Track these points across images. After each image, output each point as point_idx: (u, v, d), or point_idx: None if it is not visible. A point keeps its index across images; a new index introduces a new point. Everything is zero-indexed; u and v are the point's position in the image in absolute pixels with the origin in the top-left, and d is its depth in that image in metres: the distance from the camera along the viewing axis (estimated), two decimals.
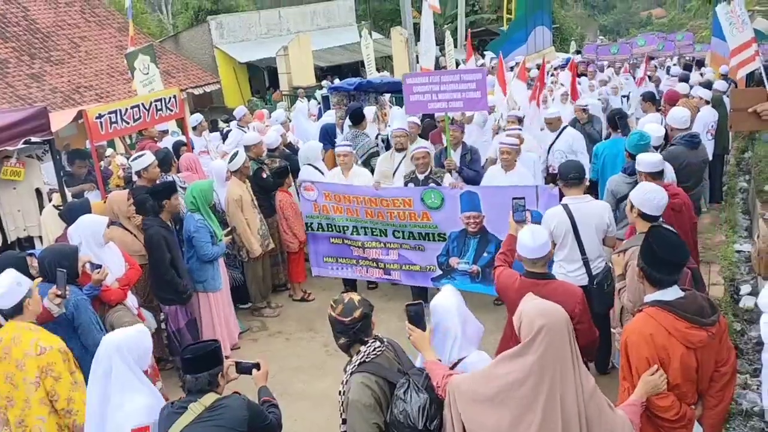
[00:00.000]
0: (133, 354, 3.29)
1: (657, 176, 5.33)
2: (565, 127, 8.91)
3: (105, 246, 5.27)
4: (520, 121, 8.87)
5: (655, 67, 18.58)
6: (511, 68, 18.51)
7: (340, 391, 3.19)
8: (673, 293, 3.20)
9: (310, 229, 7.66)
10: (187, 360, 3.20)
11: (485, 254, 6.82)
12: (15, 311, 3.98)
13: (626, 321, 4.38)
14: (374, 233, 7.36)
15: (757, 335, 6.44)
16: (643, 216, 4.35)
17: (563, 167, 5.52)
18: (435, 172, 7.10)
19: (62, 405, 3.91)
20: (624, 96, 13.91)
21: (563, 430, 2.61)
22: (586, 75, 16.04)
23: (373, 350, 3.16)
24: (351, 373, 3.14)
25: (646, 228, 4.27)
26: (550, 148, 8.84)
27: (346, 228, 7.48)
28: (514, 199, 4.83)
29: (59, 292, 4.32)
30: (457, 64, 18.87)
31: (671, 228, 3.93)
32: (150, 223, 5.93)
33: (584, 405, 2.65)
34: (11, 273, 4.03)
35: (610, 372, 5.68)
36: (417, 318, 3.29)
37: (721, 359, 3.23)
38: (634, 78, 15.79)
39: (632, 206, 4.43)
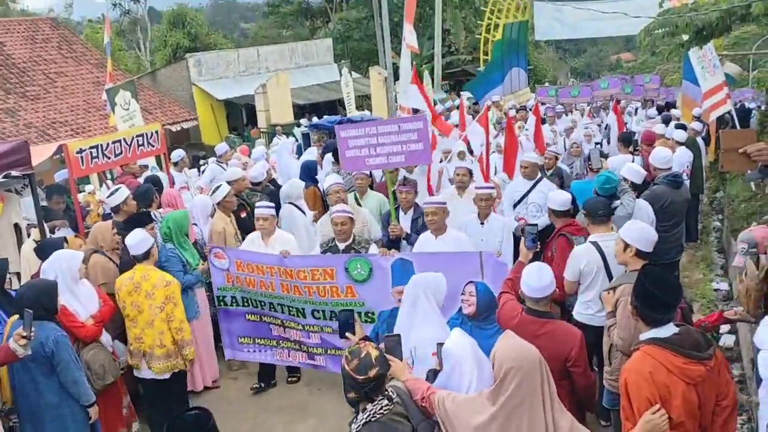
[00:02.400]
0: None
1: (565, 215, 6.00)
2: (541, 178, 7.64)
3: (80, 282, 5.17)
4: (470, 174, 7.55)
5: (622, 109, 18.70)
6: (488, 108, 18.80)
7: None
8: (668, 330, 3.21)
9: (222, 303, 6.42)
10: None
11: None
12: (144, 257, 5.51)
13: (614, 359, 4.39)
14: (291, 312, 6.16)
15: (739, 374, 6.49)
16: (640, 253, 4.33)
17: (590, 204, 5.45)
18: (359, 242, 6.08)
19: (176, 325, 5.49)
20: (597, 143, 12.72)
21: None
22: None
23: (380, 409, 3.02)
24: None
25: (639, 266, 4.29)
26: (522, 199, 7.53)
27: (263, 303, 6.29)
28: (528, 225, 5.03)
29: (24, 333, 4.17)
30: (435, 103, 19.10)
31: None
32: (125, 255, 5.88)
33: None
34: (140, 230, 5.64)
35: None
36: (394, 348, 3.41)
37: (722, 393, 3.23)
38: (599, 124, 15.48)
39: (626, 245, 4.38)
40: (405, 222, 6.80)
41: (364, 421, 2.99)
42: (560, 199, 6.05)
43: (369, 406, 3.02)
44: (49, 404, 4.56)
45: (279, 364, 6.61)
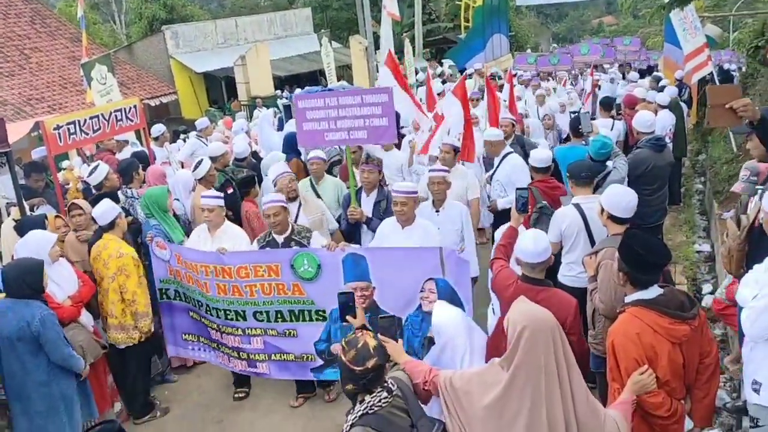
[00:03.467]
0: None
1: (544, 171, 6.17)
2: (507, 154, 7.27)
3: (56, 263, 5.11)
4: (456, 151, 7.00)
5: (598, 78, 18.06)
6: (470, 76, 18.68)
7: None
8: (653, 291, 3.24)
9: (165, 297, 5.88)
10: None
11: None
12: (110, 226, 5.55)
13: (597, 322, 4.43)
14: (228, 317, 5.53)
15: (721, 333, 6.59)
16: (614, 218, 4.39)
17: (574, 166, 5.45)
18: (298, 232, 5.52)
19: (128, 297, 5.45)
20: (573, 112, 11.44)
21: None
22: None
23: (378, 401, 2.86)
24: (351, 425, 2.88)
25: (617, 230, 4.35)
26: (491, 178, 7.33)
27: (200, 304, 5.71)
28: (517, 189, 4.82)
29: None
30: (417, 72, 18.96)
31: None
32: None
33: (575, 410, 2.65)
34: (107, 201, 5.72)
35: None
36: (389, 329, 3.35)
37: (705, 351, 3.29)
38: (580, 92, 15.06)
39: (602, 209, 4.45)
40: (367, 205, 6.23)
41: (360, 413, 2.86)
42: (540, 155, 6.24)
43: (367, 398, 2.88)
44: (38, 382, 4.54)
45: (222, 368, 6.00)
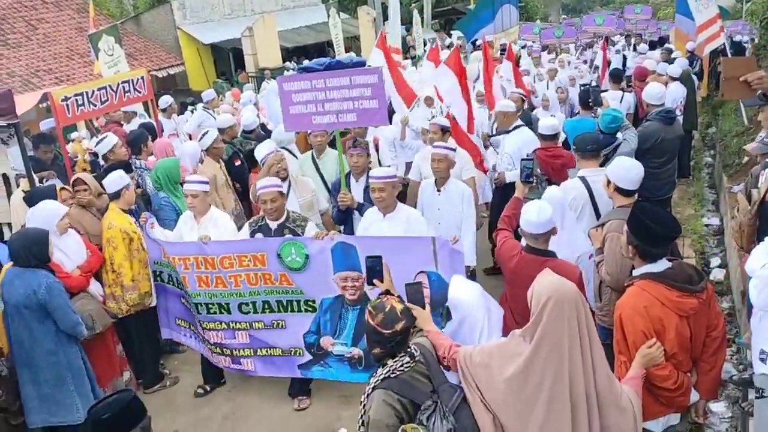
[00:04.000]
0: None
1: (551, 138, 6.31)
2: (517, 126, 7.23)
3: (65, 234, 5.15)
4: (444, 131, 6.76)
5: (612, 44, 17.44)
6: (479, 47, 18.49)
7: (361, 403, 3.00)
8: (662, 264, 3.24)
9: (159, 279, 5.63)
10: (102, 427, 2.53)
11: None
12: (115, 196, 5.62)
13: (604, 294, 4.44)
14: (211, 310, 5.30)
15: (729, 306, 6.60)
16: (620, 190, 4.37)
17: (580, 139, 5.42)
18: (293, 219, 5.27)
19: (115, 268, 5.46)
20: (583, 85, 11.35)
21: (572, 409, 2.61)
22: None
23: (400, 366, 2.89)
24: (373, 387, 2.91)
25: (624, 202, 4.34)
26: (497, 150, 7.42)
27: (186, 295, 5.46)
28: (522, 160, 4.79)
29: None
30: (425, 44, 18.79)
31: None
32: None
33: (595, 382, 2.64)
34: (119, 171, 5.77)
35: None
36: (416, 296, 3.31)
37: (712, 325, 3.30)
38: (587, 62, 14.79)
39: (608, 181, 4.44)
40: (357, 190, 5.99)
41: (383, 376, 2.89)
42: (546, 123, 6.44)
43: (390, 362, 2.91)
44: (45, 350, 4.60)
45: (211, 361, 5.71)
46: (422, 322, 3.21)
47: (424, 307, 3.26)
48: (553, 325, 2.61)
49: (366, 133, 7.58)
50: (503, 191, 6.68)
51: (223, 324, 5.32)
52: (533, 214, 3.92)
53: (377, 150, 8.00)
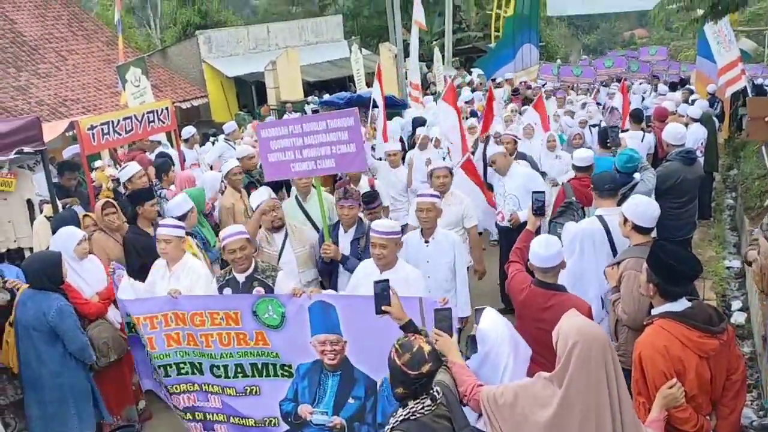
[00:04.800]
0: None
1: (586, 170, 6.37)
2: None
3: (85, 260, 5.24)
4: (450, 174, 6.49)
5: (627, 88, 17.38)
6: (499, 85, 18.65)
7: None
8: (682, 304, 3.21)
9: (131, 330, 4.92)
10: None
11: (351, 400, 4.46)
12: (181, 218, 5.66)
13: (621, 334, 4.39)
14: (182, 370, 4.75)
15: (750, 350, 6.48)
16: (637, 228, 4.35)
17: (598, 178, 5.44)
18: (262, 270, 4.82)
19: None
20: (593, 126, 11.33)
21: None
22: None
23: (421, 408, 2.81)
24: (392, 428, 2.84)
25: (640, 240, 4.32)
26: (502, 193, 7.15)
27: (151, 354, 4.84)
28: (534, 192, 4.76)
29: None
30: (445, 80, 18.97)
31: None
32: (129, 233, 5.95)
33: (623, 427, 2.59)
34: (181, 194, 6.09)
35: None
36: (444, 323, 3.25)
37: (732, 367, 3.24)
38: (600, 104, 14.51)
39: (625, 219, 4.43)
40: (344, 241, 5.59)
41: (402, 417, 2.82)
42: (581, 155, 6.58)
43: (411, 403, 2.84)
44: (50, 372, 4.65)
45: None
46: (448, 352, 3.15)
47: (451, 335, 3.21)
48: (581, 371, 2.57)
49: (360, 178, 7.34)
50: (511, 233, 6.51)
51: (195, 385, 4.79)
52: (541, 248, 3.93)
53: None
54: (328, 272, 5.61)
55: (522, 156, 8.17)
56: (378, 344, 3.96)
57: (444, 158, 8.45)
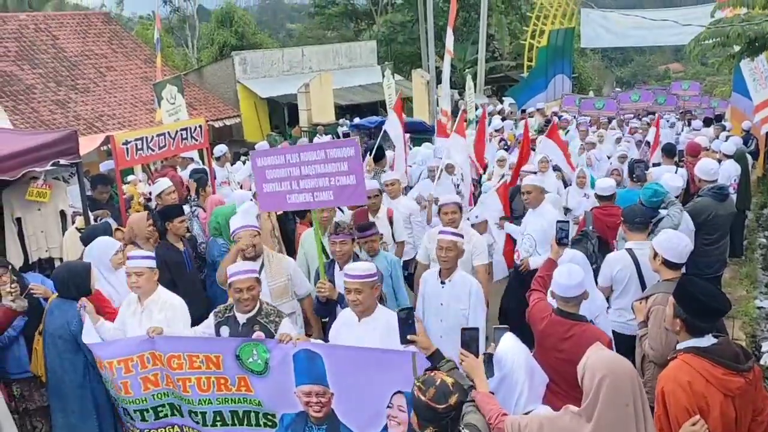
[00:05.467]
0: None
1: (608, 199, 6.62)
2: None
3: (118, 271, 5.29)
4: (460, 209, 6.04)
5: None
6: (530, 115, 18.63)
7: None
8: (707, 340, 3.16)
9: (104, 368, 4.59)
10: None
11: None
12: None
13: (647, 370, 4.32)
14: (161, 414, 4.47)
15: None
16: (667, 263, 4.33)
17: (628, 211, 5.42)
18: (267, 313, 4.47)
19: None
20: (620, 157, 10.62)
21: None
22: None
23: None
24: None
25: (670, 276, 4.28)
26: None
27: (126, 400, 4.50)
28: (558, 221, 4.75)
29: (8, 288, 4.51)
30: (476, 108, 19.03)
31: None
32: (160, 248, 6.00)
33: None
34: (249, 202, 6.51)
35: None
36: (471, 343, 3.20)
37: (758, 408, 3.17)
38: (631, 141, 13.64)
39: (655, 254, 4.40)
40: (341, 280, 4.86)
41: None
42: (603, 184, 6.85)
43: None
44: (73, 382, 4.67)
45: None
46: (473, 374, 3.10)
47: (477, 356, 3.16)
48: (610, 405, 2.57)
49: (380, 208, 6.96)
50: (522, 276, 6.24)
51: (176, 428, 4.53)
52: (563, 278, 3.92)
53: (391, 224, 6.99)
54: (325, 312, 5.23)
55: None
56: (368, 400, 3.81)
57: (458, 185, 8.39)
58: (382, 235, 6.02)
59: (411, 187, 8.85)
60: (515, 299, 5.82)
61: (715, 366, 3.06)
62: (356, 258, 5.25)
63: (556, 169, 9.37)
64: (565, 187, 9.14)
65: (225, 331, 4.45)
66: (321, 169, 4.78)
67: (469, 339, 3.20)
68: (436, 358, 3.39)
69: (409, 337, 3.46)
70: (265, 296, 4.83)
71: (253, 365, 4.16)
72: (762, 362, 6.94)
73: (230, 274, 4.43)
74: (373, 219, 6.49)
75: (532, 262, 6.18)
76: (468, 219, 6.85)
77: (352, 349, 4.06)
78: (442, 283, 4.97)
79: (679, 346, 3.26)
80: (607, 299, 5.29)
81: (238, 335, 4.34)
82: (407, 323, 3.46)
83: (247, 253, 5.14)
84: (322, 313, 5.32)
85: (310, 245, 5.89)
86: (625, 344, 4.81)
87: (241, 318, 4.45)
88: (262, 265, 5.21)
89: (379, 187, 7.03)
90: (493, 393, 3.07)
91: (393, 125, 9.17)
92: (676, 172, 9.07)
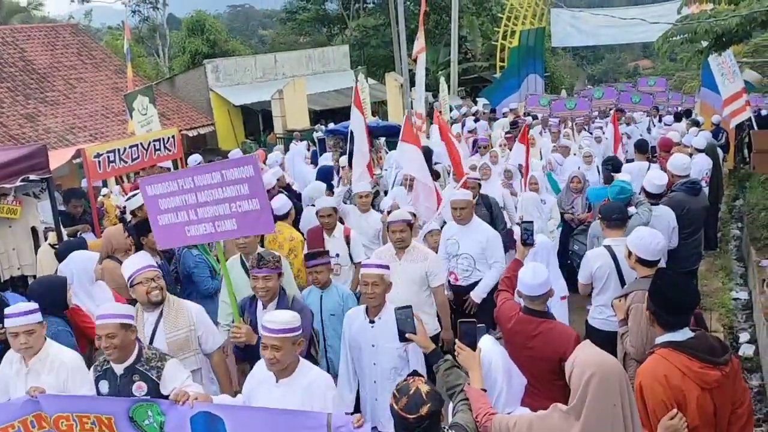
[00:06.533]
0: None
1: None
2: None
3: (96, 285, 5.24)
4: (410, 226, 5.51)
5: (629, 120, 15.76)
6: (504, 115, 18.73)
7: None
8: (684, 334, 3.18)
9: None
10: None
11: None
12: (285, 216, 6.41)
13: (629, 367, 4.35)
14: None
15: (759, 384, 6.39)
16: (641, 261, 4.38)
17: (606, 208, 5.49)
18: (147, 359, 3.89)
19: (294, 272, 5.72)
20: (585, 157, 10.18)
21: None
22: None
23: None
24: None
25: (647, 273, 4.32)
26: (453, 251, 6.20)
27: None
28: (523, 222, 4.77)
29: None
30: (451, 109, 19.11)
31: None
32: None
33: None
34: (282, 195, 6.79)
35: None
36: (469, 337, 3.18)
37: (737, 401, 3.19)
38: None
39: (629, 252, 4.45)
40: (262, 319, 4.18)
41: None
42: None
43: None
44: None
45: None
46: (470, 366, 3.09)
47: (474, 349, 3.14)
48: (599, 403, 2.59)
49: (335, 226, 6.45)
50: (462, 297, 5.95)
51: None
52: (529, 276, 3.96)
53: (348, 243, 6.41)
54: (245, 357, 4.62)
55: (485, 200, 7.25)
56: None
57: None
58: (332, 267, 5.49)
59: (386, 192, 8.77)
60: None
61: (691, 359, 3.09)
62: (282, 294, 4.58)
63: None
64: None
65: (104, 386, 3.89)
66: (219, 194, 4.14)
67: (466, 332, 3.19)
68: (435, 357, 3.38)
69: (407, 335, 3.44)
70: (161, 348, 4.28)
71: (150, 429, 3.61)
72: (740, 353, 7.03)
73: (97, 318, 3.86)
74: (328, 238, 6.27)
75: (476, 295, 5.89)
76: (421, 228, 6.68)
77: (259, 411, 3.53)
78: (371, 322, 4.38)
79: (656, 341, 3.29)
80: (589, 296, 5.35)
81: (117, 389, 3.83)
82: (406, 322, 3.43)
83: (152, 297, 4.40)
84: (243, 358, 4.72)
85: (237, 276, 5.16)
86: (606, 340, 4.86)
87: (118, 369, 3.86)
88: (161, 314, 4.48)
89: (333, 205, 6.52)
90: (485, 390, 3.08)
91: (357, 124, 8.50)
92: (648, 168, 9.18)
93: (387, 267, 4.49)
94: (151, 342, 4.33)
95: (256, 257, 4.58)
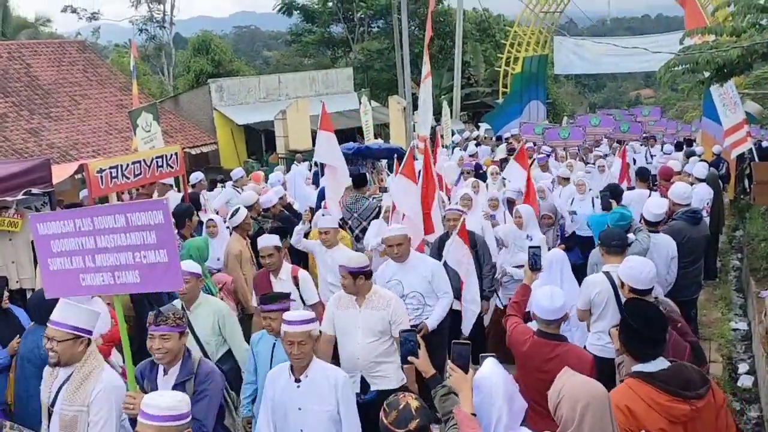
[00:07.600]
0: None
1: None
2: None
3: (92, 300, 5.19)
4: (362, 273, 4.94)
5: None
6: (506, 140, 18.82)
7: None
8: (656, 365, 3.16)
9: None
10: None
11: None
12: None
13: None
14: None
15: (757, 415, 6.35)
16: (634, 291, 4.39)
17: (605, 234, 5.50)
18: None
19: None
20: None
21: None
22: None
23: None
24: None
25: None
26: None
27: None
28: (530, 247, 4.78)
29: None
30: (453, 134, 19.20)
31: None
32: None
33: None
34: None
35: None
36: (461, 359, 3.14)
37: None
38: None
39: (623, 282, 4.48)
40: (165, 388, 3.85)
41: None
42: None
43: None
44: (35, 410, 4.51)
45: None
46: (460, 389, 3.04)
47: (466, 372, 3.10)
48: (597, 429, 2.59)
49: (281, 266, 5.92)
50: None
51: None
52: (547, 300, 3.95)
53: (297, 285, 5.89)
54: None
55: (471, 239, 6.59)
56: None
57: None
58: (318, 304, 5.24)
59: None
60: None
61: (659, 392, 3.06)
62: (187, 357, 3.95)
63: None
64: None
65: None
66: (122, 241, 3.58)
67: (459, 354, 3.15)
68: (434, 382, 3.35)
69: (409, 358, 3.40)
70: (53, 425, 3.78)
71: None
72: (739, 384, 6.99)
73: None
74: (274, 280, 5.78)
75: (430, 325, 5.52)
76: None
77: None
78: (297, 381, 3.90)
79: (632, 369, 3.27)
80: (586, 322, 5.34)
81: None
82: (408, 344, 3.38)
83: (50, 358, 3.81)
84: None
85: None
86: (603, 367, 4.85)
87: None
88: (70, 376, 3.82)
89: (276, 244, 5.97)
90: (475, 414, 3.04)
91: (327, 151, 7.98)
92: (649, 196, 9.19)
93: (313, 320, 3.99)
94: (52, 405, 3.79)
95: (154, 314, 3.94)
